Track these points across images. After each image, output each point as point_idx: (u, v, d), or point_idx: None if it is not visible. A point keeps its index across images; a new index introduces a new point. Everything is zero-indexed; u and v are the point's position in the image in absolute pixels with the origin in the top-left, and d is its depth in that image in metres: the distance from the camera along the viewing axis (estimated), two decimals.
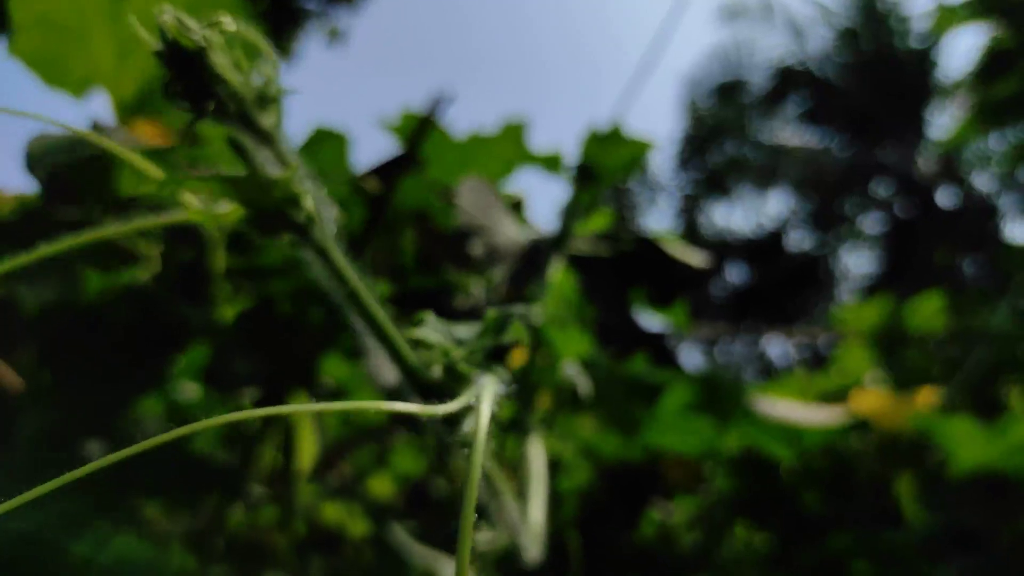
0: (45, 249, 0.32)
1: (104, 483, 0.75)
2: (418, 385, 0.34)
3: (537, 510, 0.44)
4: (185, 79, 0.33)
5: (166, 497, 0.83)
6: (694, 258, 0.71)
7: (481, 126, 0.92)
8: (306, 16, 8.41)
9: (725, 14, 15.13)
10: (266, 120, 0.34)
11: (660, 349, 0.96)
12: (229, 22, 0.33)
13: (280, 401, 0.85)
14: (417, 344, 0.34)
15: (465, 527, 0.24)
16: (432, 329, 0.35)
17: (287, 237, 0.33)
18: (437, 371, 0.33)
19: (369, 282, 0.36)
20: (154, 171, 0.65)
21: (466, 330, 0.35)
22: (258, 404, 0.86)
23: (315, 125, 1.00)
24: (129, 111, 0.73)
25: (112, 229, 0.34)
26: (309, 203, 0.33)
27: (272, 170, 0.33)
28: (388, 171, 0.96)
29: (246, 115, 0.34)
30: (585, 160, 0.70)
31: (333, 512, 0.98)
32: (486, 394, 0.29)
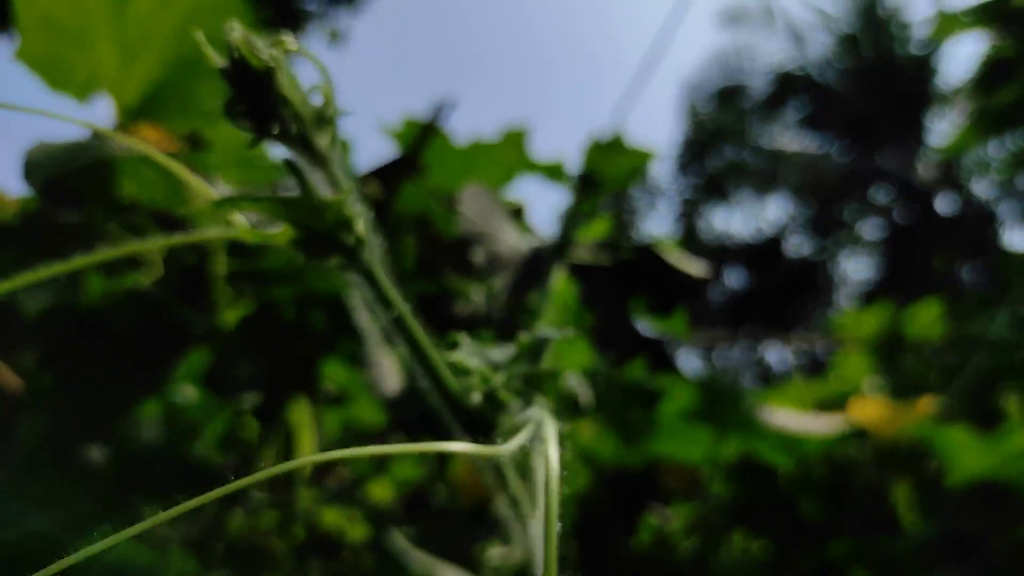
0: (59, 266, 0.32)
1: (106, 487, 0.75)
2: (459, 412, 0.34)
3: (552, 523, 0.44)
4: (250, 99, 0.32)
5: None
6: (693, 267, 0.71)
7: (482, 133, 0.92)
8: (307, 17, 8.41)
9: (725, 19, 15.16)
10: (322, 141, 0.34)
11: (660, 355, 0.96)
12: (292, 42, 0.33)
13: (281, 406, 0.85)
14: (454, 367, 0.34)
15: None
16: (469, 352, 0.35)
17: (336, 260, 0.33)
18: (477, 397, 0.33)
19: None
20: (155, 178, 0.65)
21: (500, 353, 0.35)
22: (258, 409, 0.87)
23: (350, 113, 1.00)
24: (132, 115, 0.73)
25: (147, 244, 0.34)
26: (360, 227, 0.33)
27: (324, 191, 0.33)
28: (389, 176, 0.96)
29: (305, 137, 0.33)
30: (587, 169, 0.70)
31: (332, 517, 0.98)
32: (549, 432, 0.29)
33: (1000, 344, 1.69)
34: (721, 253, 16.89)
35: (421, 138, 0.92)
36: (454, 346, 0.35)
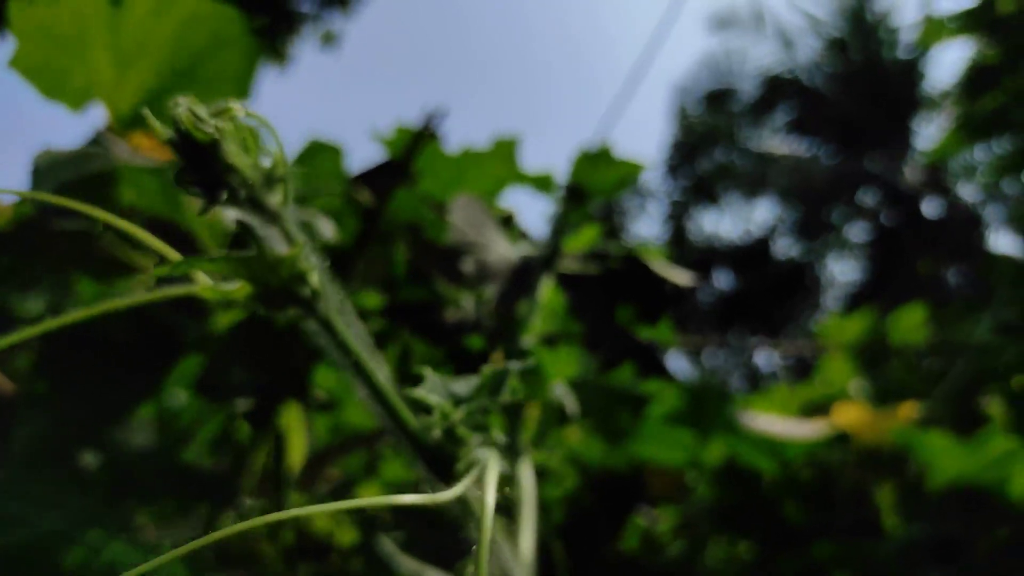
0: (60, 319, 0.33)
1: (100, 491, 0.75)
2: (418, 448, 0.35)
3: (528, 539, 0.45)
4: (197, 169, 0.34)
5: (158, 505, 0.84)
6: (679, 276, 0.72)
7: (474, 142, 0.93)
8: (302, 20, 8.39)
9: (716, 23, 15.21)
10: (273, 200, 0.35)
11: (649, 360, 0.97)
12: (239, 109, 0.34)
13: (272, 412, 0.86)
14: (416, 403, 0.35)
15: None
16: (431, 388, 0.35)
17: (293, 311, 0.35)
18: (437, 434, 0.34)
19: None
20: (154, 186, 0.66)
21: (464, 386, 0.36)
22: (250, 414, 0.87)
23: (310, 137, 1.00)
24: (126, 124, 0.74)
25: (125, 301, 0.35)
26: (314, 279, 0.34)
27: (278, 246, 0.34)
28: (380, 182, 0.96)
29: (255, 199, 0.35)
30: (574, 180, 0.71)
31: (322, 521, 0.99)
32: (490, 478, 0.30)
33: (983, 349, 1.70)
34: (710, 255, 16.95)
35: (412, 145, 0.92)
36: (418, 381, 0.36)
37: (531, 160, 0.83)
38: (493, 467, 0.31)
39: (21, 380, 0.81)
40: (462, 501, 0.33)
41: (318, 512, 0.95)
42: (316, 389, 0.87)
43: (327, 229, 0.70)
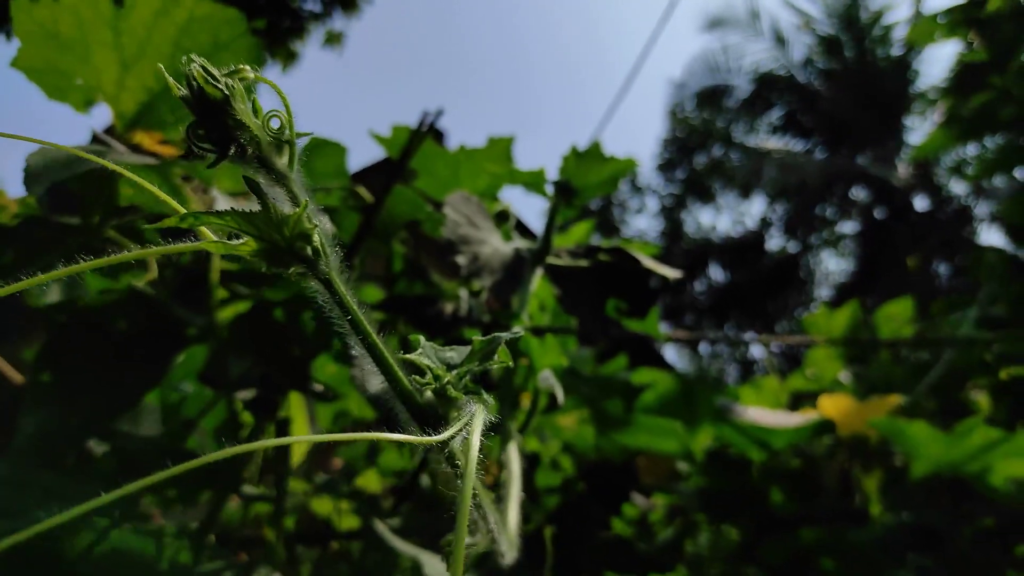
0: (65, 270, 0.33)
1: (106, 479, 0.76)
2: (411, 407, 0.35)
3: (513, 514, 0.46)
4: (209, 125, 0.34)
5: (163, 493, 0.85)
6: (667, 271, 0.73)
7: (471, 141, 0.93)
8: (309, 19, 8.36)
9: (711, 21, 15.16)
10: (280, 162, 0.36)
11: (643, 350, 0.97)
12: (249, 70, 0.35)
13: (274, 402, 0.86)
14: (409, 365, 0.35)
15: (458, 545, 0.25)
16: (424, 353, 0.36)
17: (295, 269, 0.35)
18: (429, 395, 0.35)
19: (368, 312, 0.38)
20: (153, 183, 0.66)
21: (455, 354, 0.37)
22: (252, 404, 0.88)
23: (313, 134, 1.01)
24: (130, 124, 0.74)
25: (132, 255, 0.35)
26: (317, 238, 0.34)
27: (284, 207, 0.35)
28: (378, 179, 0.97)
29: (263, 157, 0.35)
30: (564, 178, 0.71)
31: (322, 507, 0.99)
32: (475, 425, 0.31)
33: (969, 342, 1.71)
34: (705, 249, 16.95)
35: (409, 144, 0.92)
36: (414, 346, 0.37)
37: (532, 159, 0.83)
38: (479, 416, 0.32)
39: (28, 371, 0.81)
40: (449, 456, 0.34)
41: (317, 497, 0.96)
42: (318, 379, 0.87)
43: (324, 224, 0.70)
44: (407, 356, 0.34)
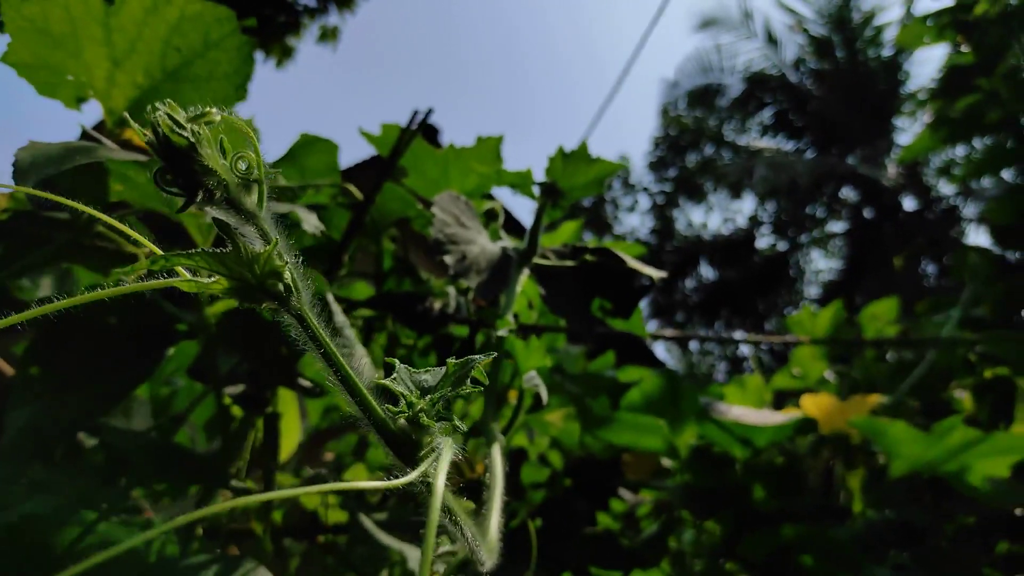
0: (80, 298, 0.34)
1: (95, 472, 0.76)
2: (384, 434, 0.35)
3: (495, 519, 0.46)
4: (176, 171, 0.34)
5: (152, 486, 0.85)
6: (651, 271, 0.73)
7: (464, 142, 0.93)
8: (304, 15, 8.32)
9: (704, 20, 15.17)
10: (249, 201, 0.36)
11: (631, 348, 0.98)
12: (216, 113, 0.35)
13: (263, 397, 0.86)
14: (384, 390, 0.36)
15: (425, 566, 0.26)
16: (399, 379, 0.36)
17: (267, 305, 0.35)
18: (402, 422, 0.35)
19: (348, 340, 0.38)
20: (144, 180, 0.66)
21: (430, 376, 0.37)
22: (242, 399, 0.88)
23: (303, 132, 1.01)
24: (120, 119, 0.74)
25: (107, 292, 0.35)
26: (288, 275, 0.35)
27: (255, 244, 0.35)
28: (368, 177, 0.97)
29: (232, 200, 0.35)
30: (550, 179, 0.72)
31: (311, 501, 1.00)
32: (441, 465, 0.32)
33: (952, 342, 1.72)
34: (696, 247, 16.99)
35: (400, 142, 0.93)
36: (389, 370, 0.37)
37: (525, 158, 0.83)
38: (447, 454, 0.33)
39: (19, 366, 0.81)
40: (425, 483, 0.34)
41: (300, 494, 0.96)
42: (304, 376, 0.87)
43: (311, 222, 0.71)
44: (381, 382, 0.35)
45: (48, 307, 0.39)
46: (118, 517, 0.81)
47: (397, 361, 0.37)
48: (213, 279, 0.36)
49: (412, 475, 0.31)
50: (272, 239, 0.36)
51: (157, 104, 0.34)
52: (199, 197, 0.35)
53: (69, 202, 0.41)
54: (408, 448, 0.35)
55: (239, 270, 0.35)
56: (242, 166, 0.36)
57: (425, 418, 0.34)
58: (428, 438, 0.35)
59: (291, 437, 1.13)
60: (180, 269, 0.40)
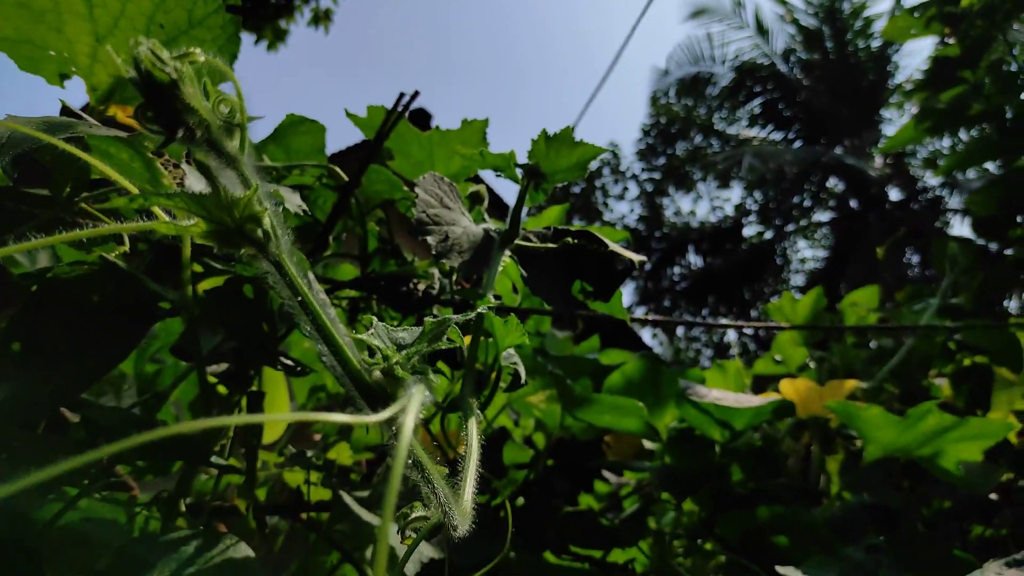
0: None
1: (77, 449, 0.76)
2: (359, 386, 0.35)
3: (469, 487, 0.46)
4: (158, 107, 0.34)
5: (135, 463, 0.85)
6: (632, 256, 0.73)
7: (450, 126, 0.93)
8: None
9: (695, 9, 15.12)
10: (231, 145, 0.35)
11: (624, 330, 0.98)
12: (200, 54, 0.34)
13: (247, 376, 0.86)
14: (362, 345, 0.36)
15: (386, 517, 0.26)
16: (376, 333, 0.36)
17: (246, 250, 0.35)
18: (377, 374, 0.35)
19: (319, 291, 0.38)
20: (125, 157, 0.66)
21: (407, 334, 0.37)
22: (225, 377, 0.88)
23: (289, 112, 1.00)
24: (104, 98, 0.73)
25: (89, 232, 0.35)
26: (267, 221, 0.34)
27: (235, 189, 0.35)
28: (354, 159, 0.96)
29: (213, 141, 0.35)
30: (533, 161, 0.71)
31: (296, 479, 1.00)
32: (411, 408, 0.31)
33: (929, 330, 1.73)
34: (684, 234, 17.02)
35: (384, 125, 0.92)
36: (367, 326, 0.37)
37: (515, 145, 0.82)
38: (417, 396, 0.33)
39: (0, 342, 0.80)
40: (396, 433, 0.34)
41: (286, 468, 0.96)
42: (289, 356, 0.87)
43: (294, 201, 0.70)
44: (358, 336, 0.35)
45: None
46: (100, 493, 0.81)
47: (375, 318, 0.37)
48: (192, 222, 0.36)
49: (384, 414, 0.31)
50: (253, 184, 0.36)
51: (140, 39, 0.34)
52: (179, 135, 0.35)
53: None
54: (383, 400, 0.35)
55: (219, 213, 0.35)
56: (224, 109, 0.36)
57: (400, 370, 0.34)
58: (403, 391, 0.35)
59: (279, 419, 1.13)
60: (160, 212, 0.40)
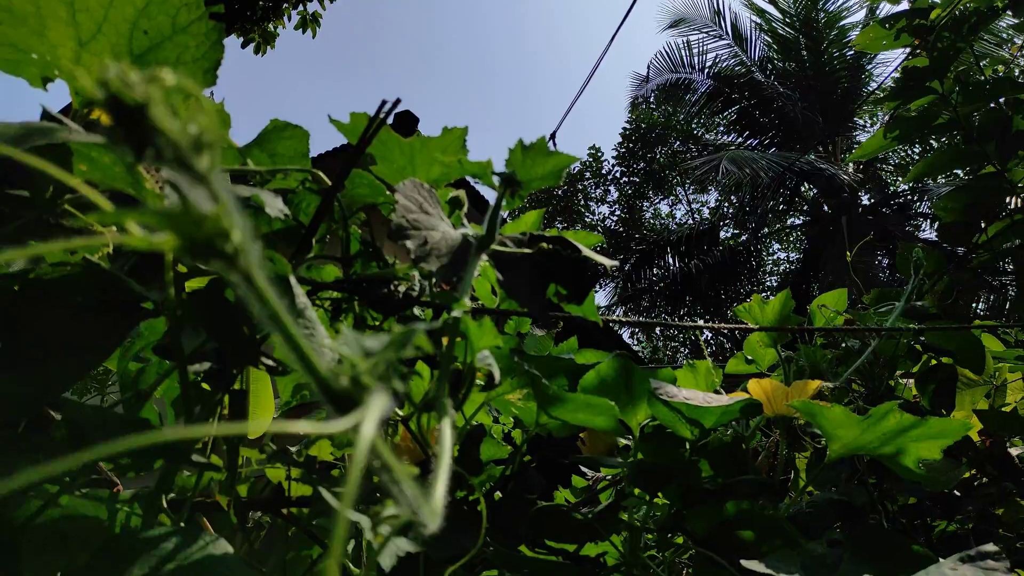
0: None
1: (59, 447, 0.75)
2: (328, 393, 0.36)
3: (441, 485, 0.47)
4: (127, 129, 0.34)
5: (117, 460, 0.84)
6: (604, 260, 0.74)
7: (436, 130, 0.93)
8: (286, 0, 8.17)
9: (674, 18, 15.19)
10: (201, 163, 0.36)
11: (604, 331, 0.99)
12: (170, 76, 0.34)
13: (230, 376, 0.86)
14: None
15: (340, 521, 0.26)
16: (346, 341, 0.37)
17: (217, 264, 0.35)
18: (344, 381, 0.35)
19: (299, 294, 0.38)
20: (108, 160, 0.65)
21: (376, 342, 0.37)
22: (209, 377, 0.87)
23: (274, 118, 0.99)
24: (87, 100, 0.73)
25: (63, 244, 0.35)
26: (237, 236, 0.35)
27: (206, 205, 0.35)
28: (336, 164, 0.96)
29: (183, 160, 0.35)
30: (510, 169, 0.72)
31: (277, 475, 1.00)
32: (369, 416, 0.32)
33: (894, 332, 1.75)
34: (662, 237, 17.11)
35: (368, 130, 0.92)
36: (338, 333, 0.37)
37: (496, 149, 0.83)
38: (379, 402, 0.33)
39: None
40: (354, 441, 0.34)
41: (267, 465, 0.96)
42: (270, 357, 0.87)
43: (276, 206, 0.70)
44: (328, 344, 0.35)
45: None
46: (81, 490, 0.80)
47: (345, 326, 0.38)
48: (164, 237, 0.36)
49: (343, 422, 0.32)
50: (223, 200, 0.36)
51: (109, 63, 0.34)
52: (148, 155, 0.35)
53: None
54: (350, 407, 0.36)
55: (188, 228, 0.35)
56: (194, 128, 0.36)
57: (367, 378, 0.35)
58: (368, 397, 0.35)
59: (265, 415, 1.12)
60: (133, 227, 0.40)
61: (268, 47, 8.17)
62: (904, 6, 2.35)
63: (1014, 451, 1.48)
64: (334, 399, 0.35)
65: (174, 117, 0.34)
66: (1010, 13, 2.16)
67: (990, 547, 0.71)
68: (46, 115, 0.66)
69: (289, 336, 0.35)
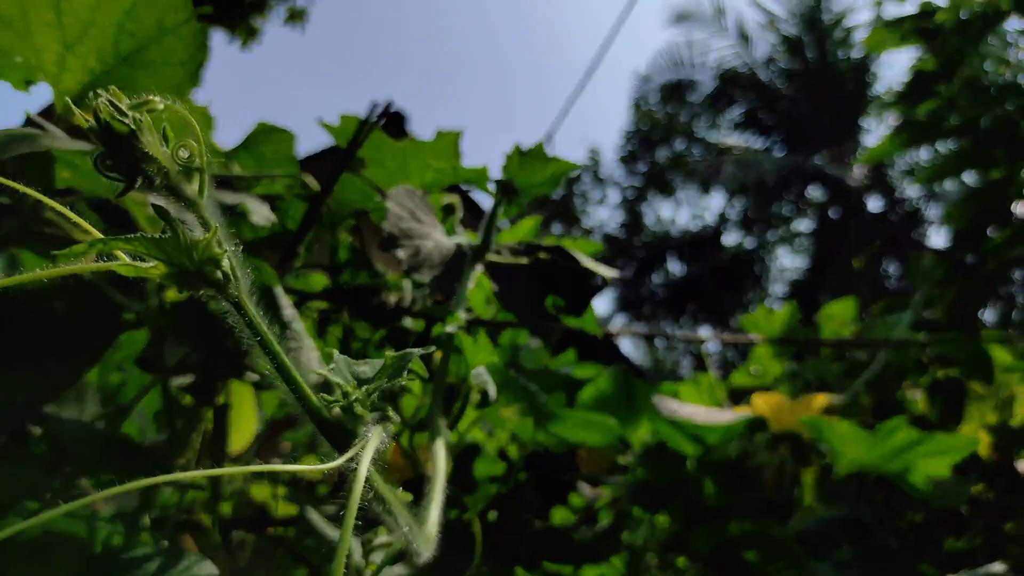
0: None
1: (40, 462, 0.75)
2: (319, 423, 0.36)
3: (435, 511, 0.47)
4: (117, 157, 0.35)
5: (98, 476, 0.84)
6: (604, 270, 0.75)
7: (431, 130, 0.94)
8: None
9: (677, 15, 15.27)
10: (190, 189, 0.36)
11: (603, 342, 0.99)
12: (159, 102, 0.35)
13: (212, 389, 0.86)
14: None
15: (340, 553, 0.27)
16: (336, 369, 0.37)
17: (205, 291, 0.36)
18: (337, 411, 0.36)
19: (286, 306, 0.39)
20: (91, 167, 0.66)
21: (368, 368, 0.38)
22: (191, 390, 0.88)
23: (260, 120, 1.00)
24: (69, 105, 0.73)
25: (47, 273, 0.35)
26: (226, 263, 0.35)
27: (195, 231, 0.36)
28: (326, 168, 0.97)
29: (172, 186, 0.36)
30: (507, 176, 0.73)
31: (261, 492, 1.00)
32: (366, 454, 0.33)
33: (903, 344, 1.77)
34: (664, 242, 17.14)
35: (357, 134, 0.93)
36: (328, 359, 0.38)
37: (494, 149, 0.84)
38: (374, 440, 0.34)
39: None
40: (349, 482, 0.35)
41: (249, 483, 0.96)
42: (253, 370, 0.88)
43: (263, 213, 0.71)
44: (318, 372, 0.36)
45: None
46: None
47: (336, 352, 0.38)
48: (152, 264, 0.37)
49: (340, 460, 0.33)
50: (212, 226, 0.37)
51: (99, 90, 0.35)
52: (138, 183, 0.35)
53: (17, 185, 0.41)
54: (343, 437, 0.36)
55: (178, 256, 0.36)
56: (183, 154, 0.37)
57: (359, 408, 0.35)
58: (363, 428, 0.36)
59: (247, 428, 1.13)
60: (120, 253, 0.41)
61: (253, 41, 8.19)
62: (909, 7, 2.37)
63: (1022, 465, 1.49)
64: (327, 430, 0.35)
65: (164, 143, 0.34)
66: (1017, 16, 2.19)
67: (997, 567, 0.72)
68: (30, 121, 0.67)
69: (280, 364, 0.35)
